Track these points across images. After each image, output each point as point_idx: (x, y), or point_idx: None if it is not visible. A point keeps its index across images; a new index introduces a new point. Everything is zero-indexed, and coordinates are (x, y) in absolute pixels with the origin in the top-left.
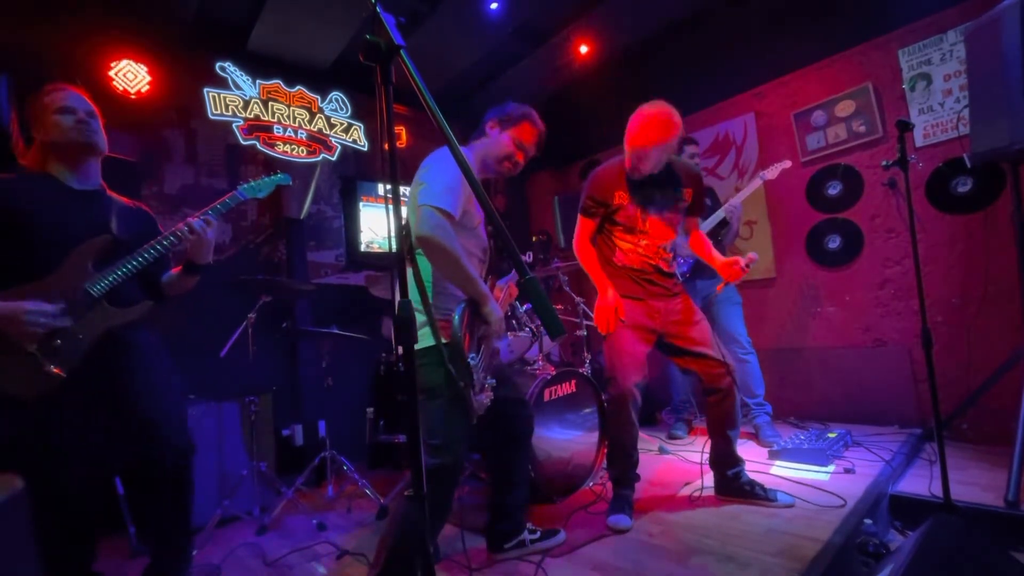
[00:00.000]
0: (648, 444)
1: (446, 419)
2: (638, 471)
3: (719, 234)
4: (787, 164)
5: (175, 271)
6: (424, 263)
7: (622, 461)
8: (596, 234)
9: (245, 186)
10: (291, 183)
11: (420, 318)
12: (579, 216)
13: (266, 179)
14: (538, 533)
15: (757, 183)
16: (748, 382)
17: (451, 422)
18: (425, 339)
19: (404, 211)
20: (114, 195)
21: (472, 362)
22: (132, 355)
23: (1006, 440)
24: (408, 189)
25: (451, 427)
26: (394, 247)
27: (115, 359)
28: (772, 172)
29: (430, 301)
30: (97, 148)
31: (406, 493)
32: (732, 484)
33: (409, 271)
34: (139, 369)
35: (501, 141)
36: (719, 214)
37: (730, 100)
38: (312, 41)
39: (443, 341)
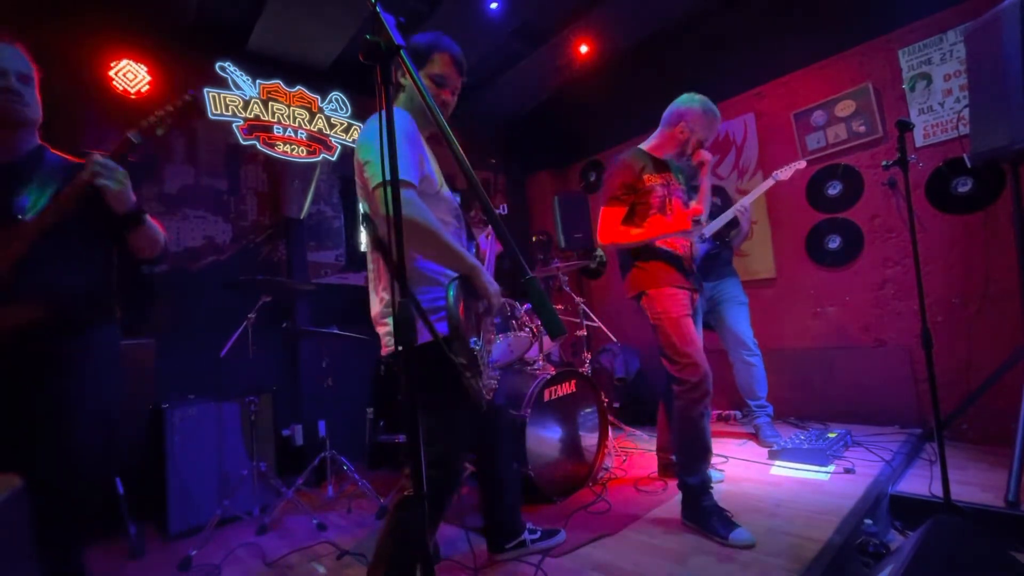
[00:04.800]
0: (649, 444)
1: (446, 424)
2: (652, 472)
3: (728, 235)
4: (802, 164)
5: None
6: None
7: (705, 460)
8: (625, 222)
9: (144, 124)
10: (192, 96)
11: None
12: (605, 208)
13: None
14: (538, 533)
15: (770, 183)
16: (752, 384)
17: (452, 426)
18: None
19: (360, 205)
20: (56, 155)
21: (476, 347)
22: (48, 367)
23: (1006, 440)
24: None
25: (453, 432)
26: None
27: (27, 370)
28: (785, 172)
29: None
30: (23, 122)
31: (405, 493)
32: (675, 466)
33: (382, 271)
34: (53, 384)
35: (425, 85)
36: (728, 214)
37: (730, 100)
38: (312, 41)
39: (439, 335)
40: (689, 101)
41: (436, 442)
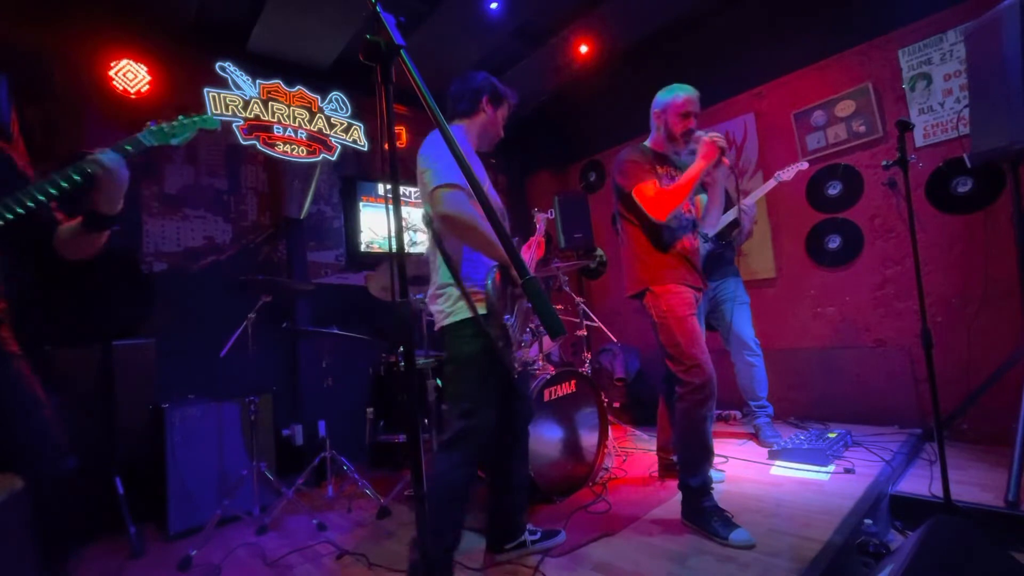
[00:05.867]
0: (649, 444)
1: (479, 384)
2: (653, 472)
3: (730, 235)
4: (804, 166)
5: (71, 223)
6: (451, 243)
7: (707, 461)
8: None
9: (154, 128)
10: (218, 127)
11: (455, 293)
12: (639, 186)
13: (185, 120)
14: (538, 534)
15: (772, 184)
16: (752, 385)
17: (484, 387)
18: (461, 312)
19: (422, 208)
20: None
21: (508, 322)
22: None
23: (1006, 440)
24: (409, 188)
25: (483, 391)
26: (394, 247)
27: None
28: (788, 173)
29: (460, 276)
30: None
31: (406, 493)
32: (675, 467)
33: (438, 258)
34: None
35: (496, 120)
36: (731, 214)
37: (730, 100)
38: (312, 41)
39: (480, 312)
40: (658, 94)
41: (466, 396)
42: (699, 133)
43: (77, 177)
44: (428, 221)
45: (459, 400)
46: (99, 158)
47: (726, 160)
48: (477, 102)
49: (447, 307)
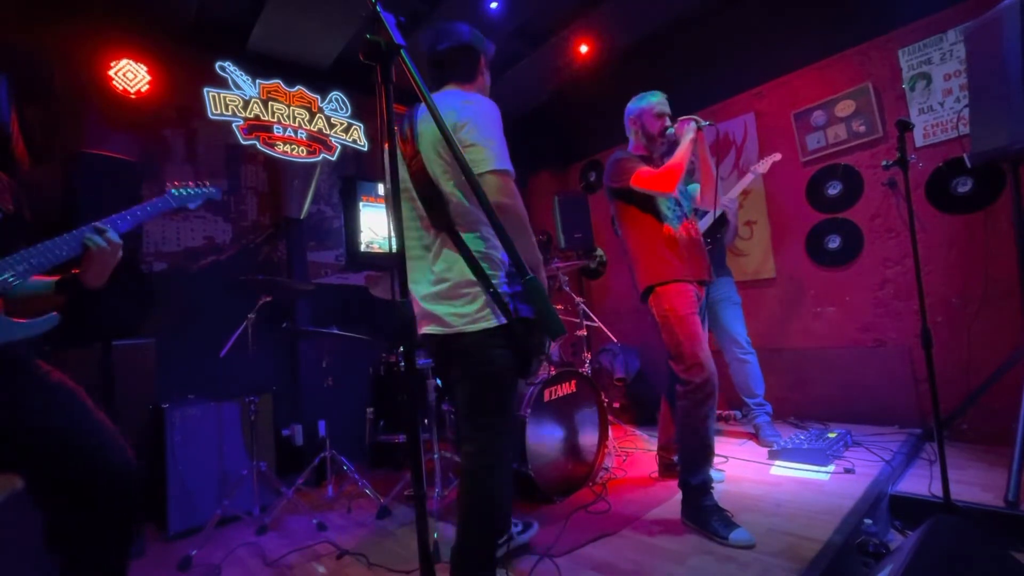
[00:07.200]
0: (649, 444)
1: (514, 395)
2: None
3: (718, 232)
4: (777, 157)
5: (45, 279)
6: (469, 238)
7: (707, 460)
8: (640, 207)
9: (176, 193)
10: (220, 198)
11: (482, 295)
12: (638, 173)
13: (195, 191)
14: (519, 526)
15: (750, 178)
16: (748, 382)
17: (515, 396)
18: (490, 319)
19: (444, 185)
20: None
21: None
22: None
23: (1006, 440)
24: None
25: (515, 400)
26: (394, 247)
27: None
28: (763, 166)
29: (487, 276)
30: None
31: (406, 493)
32: (675, 466)
33: (450, 252)
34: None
35: (489, 79)
36: (713, 213)
37: (730, 100)
38: (312, 41)
39: (519, 317)
40: (629, 103)
41: (508, 410)
42: (671, 130)
43: (75, 247)
44: (439, 203)
45: (498, 415)
46: (109, 235)
47: (703, 126)
48: (476, 65)
49: (472, 311)
